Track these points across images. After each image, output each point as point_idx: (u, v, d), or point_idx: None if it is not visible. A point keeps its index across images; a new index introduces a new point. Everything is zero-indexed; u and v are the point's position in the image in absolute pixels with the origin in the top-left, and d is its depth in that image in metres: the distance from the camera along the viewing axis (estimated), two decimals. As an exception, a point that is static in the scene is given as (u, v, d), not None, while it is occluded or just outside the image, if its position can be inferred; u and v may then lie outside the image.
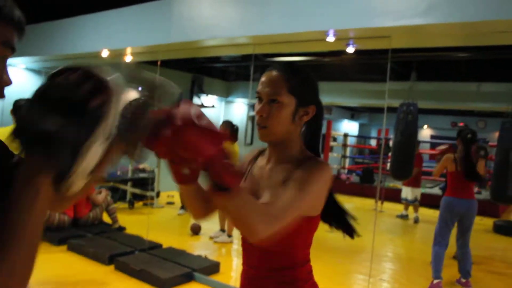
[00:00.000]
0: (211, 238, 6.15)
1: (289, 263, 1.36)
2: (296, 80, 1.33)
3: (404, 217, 8.92)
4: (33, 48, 6.41)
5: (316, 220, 1.36)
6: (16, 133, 0.74)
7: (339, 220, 1.48)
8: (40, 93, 0.76)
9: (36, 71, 7.69)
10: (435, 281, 4.50)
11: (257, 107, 1.34)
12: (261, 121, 1.33)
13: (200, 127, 0.89)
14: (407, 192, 8.72)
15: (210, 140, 0.91)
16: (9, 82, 0.83)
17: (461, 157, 4.69)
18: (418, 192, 8.61)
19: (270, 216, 1.12)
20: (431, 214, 8.91)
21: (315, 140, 1.45)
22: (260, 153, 1.52)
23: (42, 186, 0.74)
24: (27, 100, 0.75)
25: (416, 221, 8.60)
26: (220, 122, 11.04)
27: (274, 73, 1.33)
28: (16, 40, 0.80)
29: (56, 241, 5.36)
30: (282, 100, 1.30)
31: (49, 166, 0.73)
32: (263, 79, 1.35)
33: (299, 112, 1.34)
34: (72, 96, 0.73)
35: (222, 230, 6.16)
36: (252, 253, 1.41)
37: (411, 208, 8.84)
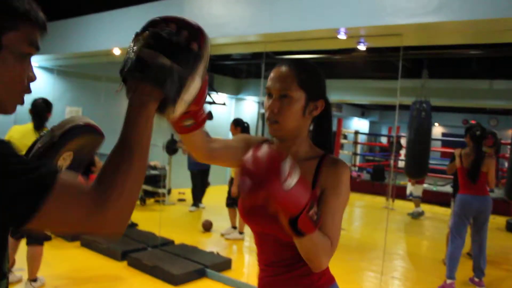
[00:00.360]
0: (222, 235, 6.19)
1: None
2: (305, 74, 1.35)
3: (420, 214, 8.87)
4: (45, 46, 6.45)
5: None
6: (125, 70, 0.90)
7: None
8: (150, 37, 0.91)
9: (49, 69, 7.77)
10: (449, 281, 4.45)
11: (267, 103, 1.36)
12: (272, 116, 1.34)
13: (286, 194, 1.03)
14: (414, 189, 8.88)
15: (296, 201, 1.06)
16: (34, 78, 0.90)
17: (467, 153, 4.64)
18: (420, 188, 8.92)
19: (331, 249, 1.26)
20: (443, 212, 8.89)
21: (325, 136, 1.45)
22: (264, 142, 1.50)
23: (153, 111, 0.90)
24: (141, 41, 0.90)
25: (417, 215, 8.77)
26: (231, 120, 11.08)
27: (284, 68, 1.35)
28: (40, 40, 0.89)
29: (70, 237, 5.43)
30: (293, 95, 1.32)
31: (160, 94, 0.89)
32: (272, 75, 1.37)
33: (309, 107, 1.35)
34: (177, 39, 0.91)
35: (234, 227, 6.20)
36: (268, 249, 1.42)
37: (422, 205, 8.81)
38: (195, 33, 0.94)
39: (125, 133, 0.88)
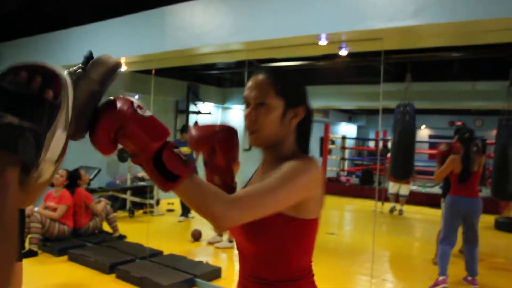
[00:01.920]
0: (209, 243, 6.17)
1: (288, 273, 1.29)
2: (283, 82, 1.31)
3: (394, 210, 9.55)
4: (28, 60, 6.43)
5: (313, 223, 1.31)
6: None
7: None
8: None
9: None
10: (441, 277, 4.49)
11: (246, 112, 1.33)
12: (250, 126, 1.31)
13: (142, 119, 0.95)
14: (398, 188, 9.34)
15: (155, 131, 0.97)
16: None
17: (461, 156, 4.69)
18: (407, 188, 9.41)
19: (232, 199, 1.09)
20: (432, 213, 8.94)
21: (305, 141, 1.40)
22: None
23: (11, 180, 0.75)
24: None
25: (401, 213, 9.42)
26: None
27: (260, 77, 1.32)
28: None
29: (57, 252, 5.38)
30: (269, 102, 1.28)
31: (14, 159, 0.74)
32: (249, 84, 1.33)
33: (288, 114, 1.30)
34: (26, 90, 0.76)
35: (220, 235, 6.19)
36: (246, 262, 1.35)
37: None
38: (50, 79, 0.79)
39: None
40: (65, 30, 5.81)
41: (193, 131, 1.36)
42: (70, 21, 5.67)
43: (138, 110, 0.95)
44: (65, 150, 0.85)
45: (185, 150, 4.64)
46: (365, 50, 4.69)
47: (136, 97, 9.19)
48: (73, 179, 6.23)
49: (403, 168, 5.80)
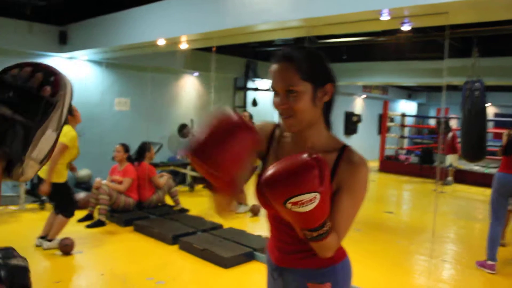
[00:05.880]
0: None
1: None
2: (307, 64, 1.32)
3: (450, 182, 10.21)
4: (93, 40, 6.72)
5: None
6: None
7: None
8: None
9: (97, 62, 8.04)
10: (489, 262, 4.47)
11: (276, 100, 1.35)
12: (284, 112, 1.34)
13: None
14: (451, 159, 9.97)
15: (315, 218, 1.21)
16: None
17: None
18: (455, 158, 9.96)
19: (337, 244, 1.32)
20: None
21: (328, 114, 1.44)
22: (276, 128, 1.53)
23: None
24: None
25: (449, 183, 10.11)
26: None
27: (283, 64, 1.33)
28: None
29: (123, 222, 5.68)
30: (299, 89, 1.30)
31: (0, 151, 0.73)
32: (273, 72, 1.34)
33: (318, 95, 1.34)
34: (24, 84, 0.76)
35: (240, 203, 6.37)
36: (279, 229, 1.49)
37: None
38: (50, 77, 0.79)
39: None
40: (127, 10, 5.99)
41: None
42: (132, 1, 5.82)
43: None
44: (52, 152, 0.83)
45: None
46: (428, 25, 4.53)
47: (196, 74, 9.37)
48: (141, 153, 6.54)
49: (476, 148, 5.52)
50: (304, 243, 1.31)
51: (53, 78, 0.79)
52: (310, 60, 1.34)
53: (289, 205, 1.12)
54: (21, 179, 0.79)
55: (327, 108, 1.42)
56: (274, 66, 1.35)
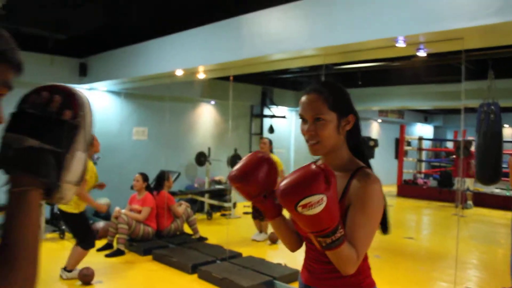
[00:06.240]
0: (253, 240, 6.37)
1: None
2: (333, 97, 1.51)
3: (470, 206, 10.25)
4: (112, 72, 6.88)
5: None
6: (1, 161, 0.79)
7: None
8: (15, 116, 0.81)
9: (116, 93, 8.20)
10: None
11: (304, 127, 1.53)
12: (311, 138, 1.51)
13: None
14: (468, 182, 10.02)
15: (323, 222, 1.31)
16: (1, 121, 0.84)
17: None
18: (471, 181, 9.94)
19: (357, 260, 1.38)
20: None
21: (357, 143, 1.61)
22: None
23: (35, 201, 0.79)
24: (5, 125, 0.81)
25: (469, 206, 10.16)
26: (292, 132, 11.12)
27: (313, 95, 1.52)
28: (12, 79, 0.83)
29: (142, 251, 5.69)
30: (326, 117, 1.48)
31: (37, 182, 0.78)
32: (304, 102, 1.53)
33: (342, 123, 1.52)
34: (45, 112, 0.80)
35: (260, 231, 6.37)
36: (310, 248, 1.60)
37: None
38: (68, 99, 0.83)
39: (8, 234, 0.78)
40: (145, 42, 6.13)
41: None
42: (150, 33, 5.96)
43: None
44: (85, 171, 0.87)
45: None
46: (443, 51, 4.55)
47: (213, 102, 9.46)
48: (159, 181, 6.60)
49: (490, 171, 5.48)
50: (331, 263, 1.40)
51: (71, 99, 0.83)
52: (336, 94, 1.54)
53: (299, 209, 1.23)
54: (62, 202, 0.86)
55: (350, 135, 1.57)
56: (304, 97, 1.54)
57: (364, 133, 14.33)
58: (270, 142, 6.83)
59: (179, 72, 5.72)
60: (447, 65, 7.13)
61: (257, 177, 1.50)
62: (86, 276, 4.61)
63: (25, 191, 0.78)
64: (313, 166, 1.29)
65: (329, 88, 1.54)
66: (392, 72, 8.34)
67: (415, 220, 10.02)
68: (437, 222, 9.63)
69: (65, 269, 4.73)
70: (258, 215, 1.53)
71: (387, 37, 3.56)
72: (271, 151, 6.68)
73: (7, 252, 0.76)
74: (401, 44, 3.64)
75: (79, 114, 0.83)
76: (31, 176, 0.78)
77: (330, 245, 1.29)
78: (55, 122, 0.80)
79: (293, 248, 1.70)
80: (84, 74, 7.40)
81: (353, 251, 1.35)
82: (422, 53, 4.01)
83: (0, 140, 0.79)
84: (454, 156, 11.61)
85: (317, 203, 1.22)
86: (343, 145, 1.56)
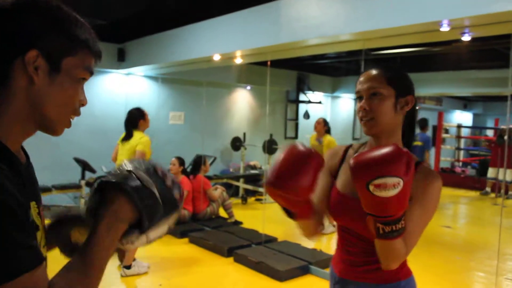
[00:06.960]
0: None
1: None
2: (392, 73, 1.43)
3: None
4: (150, 57, 6.96)
5: None
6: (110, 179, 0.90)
7: None
8: (147, 169, 0.93)
9: (154, 78, 8.31)
10: None
11: (359, 104, 1.44)
12: (365, 115, 1.42)
13: None
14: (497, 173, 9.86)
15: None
16: (85, 102, 0.93)
17: None
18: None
19: (404, 256, 1.31)
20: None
21: (410, 131, 1.51)
22: (349, 148, 1.61)
23: (120, 233, 0.89)
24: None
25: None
26: (328, 118, 11.06)
27: (371, 71, 1.45)
28: (94, 65, 0.94)
29: (179, 234, 5.78)
30: (382, 92, 1.40)
31: (134, 217, 0.89)
32: (361, 79, 1.46)
33: (400, 102, 1.42)
34: (166, 183, 0.94)
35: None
36: (348, 240, 1.52)
37: None
38: (179, 187, 0.97)
39: (88, 252, 0.86)
40: (182, 27, 6.16)
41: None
42: (188, 18, 5.99)
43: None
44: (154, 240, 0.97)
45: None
46: (490, 35, 4.40)
47: (249, 88, 9.47)
48: (196, 166, 6.68)
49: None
50: (371, 255, 1.35)
51: (181, 190, 0.98)
52: (395, 72, 1.46)
53: (371, 187, 1.15)
54: (126, 246, 0.93)
55: (407, 123, 1.48)
56: (363, 74, 1.47)
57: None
58: (325, 122, 6.53)
59: (216, 57, 5.74)
60: (490, 50, 6.89)
61: (297, 183, 1.26)
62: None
63: (120, 220, 0.88)
64: (397, 147, 1.19)
65: (389, 65, 1.49)
66: (432, 57, 8.13)
67: (453, 209, 9.82)
68: (474, 211, 9.43)
69: (124, 267, 4.50)
70: (288, 215, 1.45)
71: (431, 21, 3.46)
72: (326, 131, 6.47)
73: (85, 268, 0.84)
74: (445, 28, 3.53)
75: (181, 201, 0.97)
76: (136, 210, 0.89)
77: (388, 234, 1.21)
78: (169, 193, 0.94)
79: (311, 235, 1.59)
80: (122, 59, 7.52)
81: (403, 246, 1.28)
82: (466, 38, 3.89)
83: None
84: (493, 144, 11.18)
85: (392, 186, 1.14)
86: (399, 130, 1.46)
